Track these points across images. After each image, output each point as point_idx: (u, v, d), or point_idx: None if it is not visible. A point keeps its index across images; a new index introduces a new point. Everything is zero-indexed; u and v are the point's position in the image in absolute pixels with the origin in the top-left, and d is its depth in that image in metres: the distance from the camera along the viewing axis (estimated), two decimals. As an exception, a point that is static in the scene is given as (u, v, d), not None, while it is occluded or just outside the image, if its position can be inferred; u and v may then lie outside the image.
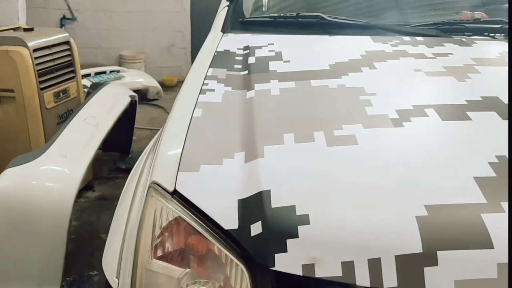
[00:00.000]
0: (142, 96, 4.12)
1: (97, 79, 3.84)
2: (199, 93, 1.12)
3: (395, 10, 1.76)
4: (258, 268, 0.75)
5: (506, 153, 0.82)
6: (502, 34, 1.53)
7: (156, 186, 0.85)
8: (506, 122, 0.93)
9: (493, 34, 1.53)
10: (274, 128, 0.95)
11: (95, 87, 2.65)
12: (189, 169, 0.85)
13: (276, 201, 0.76)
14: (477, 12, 1.67)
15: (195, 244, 0.80)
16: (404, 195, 0.75)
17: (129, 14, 4.84)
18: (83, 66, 4.27)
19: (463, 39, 1.45)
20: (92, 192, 2.78)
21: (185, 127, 0.97)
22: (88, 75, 3.94)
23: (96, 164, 2.98)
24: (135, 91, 3.42)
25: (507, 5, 1.97)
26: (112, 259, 0.96)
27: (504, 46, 1.40)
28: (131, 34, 4.88)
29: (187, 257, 0.81)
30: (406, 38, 1.45)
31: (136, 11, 4.82)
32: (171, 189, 0.83)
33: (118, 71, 4.15)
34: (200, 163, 0.86)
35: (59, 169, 1.84)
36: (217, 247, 0.78)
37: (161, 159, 0.91)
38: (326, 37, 1.51)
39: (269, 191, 0.78)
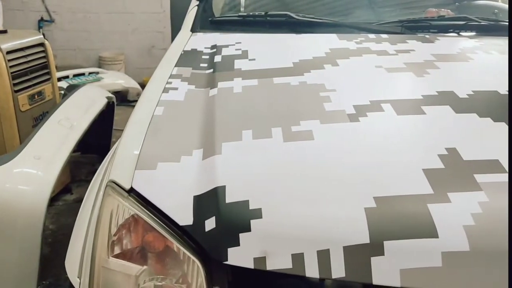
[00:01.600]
0: (122, 97, 4.09)
1: (75, 81, 3.81)
2: (162, 92, 1.12)
3: (362, 8, 1.79)
4: (213, 263, 0.76)
5: (455, 145, 0.85)
6: (467, 31, 1.56)
7: (113, 185, 0.85)
8: (459, 115, 0.95)
9: (458, 31, 1.56)
10: (233, 125, 0.96)
11: (71, 89, 2.63)
12: (146, 167, 0.86)
13: (230, 196, 0.78)
14: (443, 10, 1.70)
15: (152, 241, 0.81)
16: (355, 188, 0.77)
17: (109, 16, 4.80)
18: (61, 68, 4.25)
19: (427, 36, 1.48)
20: (70, 195, 2.76)
21: (145, 126, 0.98)
22: (67, 77, 3.91)
23: (75, 167, 2.96)
24: (115, 92, 3.40)
25: (477, 1, 2.02)
26: (75, 259, 0.96)
27: (466, 42, 1.43)
28: (111, 35, 4.85)
29: (144, 255, 0.81)
30: (371, 36, 1.48)
31: (116, 12, 4.79)
32: (127, 187, 0.83)
33: (97, 73, 4.12)
34: (157, 161, 0.87)
35: (33, 171, 1.83)
36: (174, 243, 0.78)
37: (119, 158, 0.92)
38: (293, 35, 1.53)
39: (224, 186, 0.79)
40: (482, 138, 0.88)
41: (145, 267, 0.81)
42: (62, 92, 2.95)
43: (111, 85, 3.87)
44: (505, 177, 0.77)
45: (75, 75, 4.02)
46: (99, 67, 4.63)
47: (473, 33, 1.53)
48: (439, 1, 1.89)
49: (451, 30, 1.57)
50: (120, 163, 0.90)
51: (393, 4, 1.85)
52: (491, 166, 0.79)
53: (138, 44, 4.91)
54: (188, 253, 0.78)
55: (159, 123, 0.99)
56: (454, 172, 0.79)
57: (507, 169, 0.78)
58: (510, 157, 0.80)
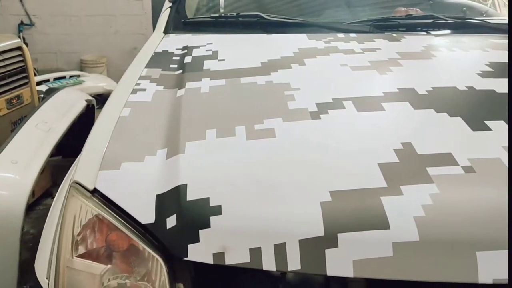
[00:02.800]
0: (104, 100, 4.06)
1: (56, 85, 3.78)
2: (130, 93, 1.13)
3: (335, 8, 1.81)
4: (176, 260, 0.78)
5: (411, 139, 0.87)
6: (435, 29, 1.60)
7: (76, 186, 0.86)
8: (417, 111, 0.98)
9: (426, 29, 1.60)
10: (197, 124, 0.98)
11: (50, 93, 2.62)
12: (110, 167, 0.87)
13: (192, 194, 0.79)
14: (412, 9, 1.74)
15: (115, 240, 0.82)
16: (312, 183, 0.79)
17: (89, 18, 4.78)
18: (43, 72, 4.21)
19: (394, 35, 1.51)
20: (51, 199, 2.75)
21: (111, 127, 0.99)
22: (47, 80, 3.88)
23: (55, 171, 2.94)
24: (97, 95, 3.38)
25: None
26: (44, 260, 0.97)
27: (431, 40, 1.46)
28: (92, 38, 4.82)
29: (108, 254, 0.83)
30: (340, 35, 1.50)
31: (96, 15, 4.77)
32: (91, 187, 0.84)
33: (78, 76, 4.09)
34: (121, 161, 0.88)
35: (10, 176, 1.83)
36: (137, 242, 0.80)
37: (83, 159, 0.93)
38: (264, 36, 1.55)
39: (185, 185, 0.81)
40: (437, 132, 0.91)
41: (109, 266, 0.82)
42: (42, 95, 2.93)
43: (92, 88, 3.85)
44: (456, 169, 0.80)
45: (55, 79, 3.99)
46: (81, 70, 4.60)
47: (440, 31, 1.57)
48: (411, 1, 1.92)
49: (419, 29, 1.60)
50: (84, 164, 0.91)
51: (365, 4, 1.88)
52: (443, 159, 0.82)
53: (120, 47, 4.89)
54: (151, 251, 0.79)
55: (125, 124, 1.00)
56: (408, 166, 0.81)
57: (459, 162, 0.81)
58: (510, 157, 0.82)
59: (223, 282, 0.83)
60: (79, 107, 2.60)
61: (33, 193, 2.22)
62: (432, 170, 0.79)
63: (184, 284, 0.80)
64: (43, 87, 3.53)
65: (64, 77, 4.05)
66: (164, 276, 0.79)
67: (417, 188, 0.76)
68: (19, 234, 1.68)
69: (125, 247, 0.82)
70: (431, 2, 2.01)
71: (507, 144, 0.86)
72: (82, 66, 4.76)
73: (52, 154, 2.11)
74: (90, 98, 2.75)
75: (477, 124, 0.92)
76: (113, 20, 4.81)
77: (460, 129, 0.91)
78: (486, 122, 0.92)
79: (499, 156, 0.82)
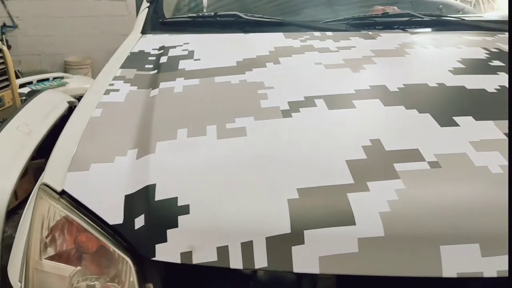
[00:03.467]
0: (88, 102, 4.04)
1: (39, 87, 3.75)
2: (103, 94, 1.13)
3: (312, 7, 1.82)
4: (145, 260, 0.78)
5: (379, 136, 0.88)
6: (412, 26, 1.61)
7: (45, 187, 0.86)
8: (387, 108, 0.99)
9: (403, 27, 1.61)
10: (169, 124, 0.97)
11: (32, 95, 2.60)
12: (79, 168, 0.87)
13: (160, 194, 0.79)
14: (390, 7, 1.75)
15: (84, 242, 0.82)
16: (280, 181, 0.80)
17: (73, 19, 4.75)
18: (27, 74, 4.17)
19: (370, 33, 1.52)
20: (34, 202, 2.72)
21: (82, 128, 0.98)
22: (30, 83, 3.85)
23: (39, 174, 2.91)
24: (80, 97, 3.35)
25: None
26: (17, 263, 0.96)
27: (405, 37, 1.47)
28: (76, 39, 4.79)
29: (78, 255, 0.82)
30: (317, 34, 1.51)
31: (80, 16, 4.74)
32: (59, 189, 0.84)
33: (62, 78, 4.06)
34: (90, 162, 0.88)
35: (-11, 179, 1.80)
36: (105, 243, 0.79)
37: (52, 161, 0.92)
38: (242, 35, 1.55)
39: (154, 185, 0.81)
40: (405, 129, 0.92)
41: (78, 268, 0.81)
42: (24, 98, 2.90)
43: (76, 89, 3.82)
44: (423, 165, 0.80)
45: (39, 81, 3.95)
46: (65, 71, 4.57)
47: (416, 29, 1.58)
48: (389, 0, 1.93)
49: (396, 27, 1.61)
50: (52, 166, 0.90)
51: (344, 3, 1.89)
52: (410, 155, 0.83)
53: (105, 48, 4.84)
54: (119, 252, 0.79)
55: (96, 125, 1.00)
56: (375, 162, 0.82)
57: (425, 157, 0.82)
58: (510, 156, 0.82)
59: (194, 282, 0.83)
60: (61, 109, 2.57)
61: (16, 196, 2.20)
62: (398, 166, 0.80)
63: (154, 284, 0.80)
64: (26, 90, 3.50)
65: (47, 79, 4.01)
66: (133, 277, 0.78)
67: (383, 184, 0.77)
68: (0, 238, 1.66)
69: (94, 249, 0.81)
70: (410, 0, 2.03)
71: (474, 139, 0.87)
72: (66, 67, 4.73)
73: (33, 157, 2.10)
74: (72, 100, 2.73)
75: (445, 120, 0.93)
76: (97, 21, 4.78)
77: (429, 125, 0.92)
78: (454, 118, 0.93)
79: (465, 151, 0.83)
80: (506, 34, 1.55)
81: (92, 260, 0.82)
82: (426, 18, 1.61)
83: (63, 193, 0.84)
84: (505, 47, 1.38)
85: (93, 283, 0.80)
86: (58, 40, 4.80)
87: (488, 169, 0.79)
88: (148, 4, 1.74)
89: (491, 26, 1.63)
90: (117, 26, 4.83)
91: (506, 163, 0.80)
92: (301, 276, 0.82)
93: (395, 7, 1.76)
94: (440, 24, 1.62)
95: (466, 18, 1.67)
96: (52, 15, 4.73)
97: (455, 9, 1.90)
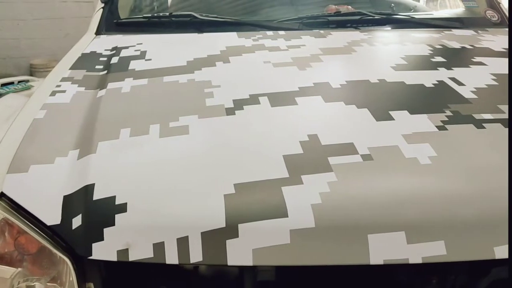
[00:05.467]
0: (55, 105, 3.97)
1: (3, 91, 3.67)
2: (49, 95, 1.12)
3: (268, 7, 1.84)
4: (85, 260, 0.78)
5: (317, 131, 0.90)
6: (364, 25, 1.65)
7: None
8: (328, 104, 1.02)
9: (356, 25, 1.65)
10: (113, 124, 0.98)
11: (-7, 99, 2.54)
12: (18, 170, 0.86)
13: (98, 193, 0.80)
14: (344, 6, 1.79)
15: (24, 243, 0.81)
16: (217, 177, 0.81)
17: (38, 22, 4.65)
18: (-11, 78, 4.06)
19: (321, 32, 1.55)
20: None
21: (24, 130, 0.98)
22: (-6, 87, 3.76)
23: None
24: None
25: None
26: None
27: (355, 35, 1.51)
28: (42, 42, 4.69)
29: (19, 257, 0.82)
30: (270, 33, 1.53)
31: (45, 18, 4.65)
32: None
33: (27, 81, 3.98)
34: (30, 164, 0.87)
35: None
36: (45, 244, 0.79)
37: None
38: (196, 35, 1.56)
39: (93, 184, 0.81)
40: (343, 123, 0.95)
41: (19, 269, 0.81)
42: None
43: (41, 93, 3.76)
44: (356, 158, 0.83)
45: (3, 85, 3.87)
46: (31, 75, 4.48)
47: (367, 27, 1.62)
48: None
49: (349, 25, 1.65)
50: None
51: (299, 3, 1.92)
52: (345, 149, 0.85)
53: (72, 50, 4.78)
54: (58, 253, 0.79)
55: (38, 127, 0.99)
56: (311, 156, 0.84)
57: (359, 150, 0.85)
58: (510, 156, 0.84)
59: (136, 279, 0.84)
60: (22, 112, 2.54)
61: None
62: (332, 160, 0.82)
63: (94, 283, 0.80)
64: (-12, 94, 3.42)
65: (12, 83, 3.94)
66: (72, 277, 0.79)
67: (316, 177, 0.79)
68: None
69: (34, 250, 0.81)
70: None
71: (406, 132, 0.90)
72: (32, 70, 4.63)
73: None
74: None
75: (381, 114, 0.96)
76: (62, 23, 4.70)
77: (365, 120, 0.95)
78: (390, 112, 0.97)
79: (397, 144, 0.86)
80: (453, 31, 1.61)
81: (33, 261, 0.82)
82: (377, 17, 1.65)
83: (2, 195, 0.83)
84: (450, 44, 1.44)
85: (33, 284, 0.80)
86: (23, 43, 4.70)
87: (417, 160, 0.82)
88: (102, 5, 1.73)
89: (439, 24, 1.68)
90: (84, 27, 4.70)
91: (435, 154, 0.84)
92: (243, 269, 0.83)
93: (349, 6, 1.80)
94: (391, 22, 1.67)
95: (415, 16, 1.72)
96: (15, 18, 4.62)
97: (407, 7, 1.95)
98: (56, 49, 4.74)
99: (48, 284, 0.81)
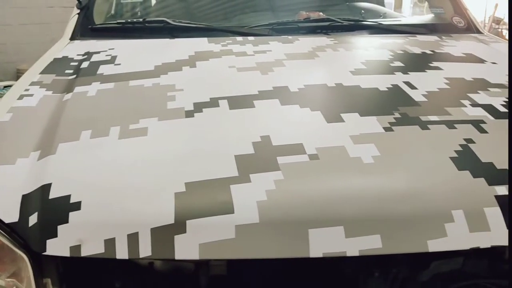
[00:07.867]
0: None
1: (-12, 96, 3.68)
2: (17, 99, 1.15)
3: (241, 13, 1.89)
4: (42, 257, 0.81)
5: (269, 133, 0.94)
6: (333, 31, 1.70)
7: None
8: (283, 107, 1.06)
9: (325, 31, 1.70)
10: (75, 126, 1.01)
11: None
12: None
13: (54, 192, 0.83)
14: (315, 13, 1.84)
15: None
16: (170, 176, 0.85)
17: (24, 27, 4.68)
18: (-24, 83, 4.08)
19: (289, 37, 1.59)
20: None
21: None
22: (-21, 92, 3.77)
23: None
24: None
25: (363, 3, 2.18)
26: None
27: (320, 41, 1.56)
28: (28, 47, 4.71)
29: None
30: (239, 39, 1.58)
31: (31, 23, 4.68)
32: None
33: (13, 86, 4.00)
34: None
35: None
36: (3, 241, 0.83)
37: None
38: (168, 40, 1.60)
39: (50, 184, 0.85)
40: (295, 125, 0.99)
41: None
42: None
43: (26, 97, 3.77)
44: (303, 157, 0.87)
45: (-12, 90, 3.89)
46: (18, 80, 4.50)
47: (335, 33, 1.67)
48: (317, 4, 2.02)
49: (319, 31, 1.70)
50: None
51: (271, 8, 1.97)
52: (294, 149, 0.89)
53: (58, 55, 4.80)
54: (16, 249, 0.82)
55: (3, 129, 1.03)
56: (261, 156, 0.88)
57: (307, 150, 0.89)
58: (510, 156, 0.87)
59: (90, 275, 0.87)
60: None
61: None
62: (281, 159, 0.86)
63: (51, 279, 0.83)
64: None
65: (-3, 88, 3.96)
66: (29, 273, 0.82)
67: (264, 175, 0.83)
68: None
69: None
70: (348, 4, 2.13)
71: (354, 133, 0.94)
72: (19, 76, 4.62)
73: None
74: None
75: (333, 116, 1.00)
76: (49, 28, 4.72)
77: (317, 122, 0.99)
78: (341, 114, 1.01)
79: (343, 144, 0.91)
80: (418, 37, 1.67)
81: None
82: (345, 23, 1.71)
83: None
84: (412, 49, 1.49)
85: None
86: (9, 48, 4.72)
87: (361, 159, 0.87)
88: (78, 11, 1.77)
89: (405, 30, 1.74)
90: (70, 33, 4.78)
91: (379, 153, 0.88)
92: (192, 263, 0.87)
93: (321, 13, 1.85)
94: (359, 28, 1.72)
95: (383, 23, 1.78)
96: (2, 23, 4.64)
97: (377, 14, 2.01)
98: (42, 54, 4.76)
99: (7, 279, 0.84)
